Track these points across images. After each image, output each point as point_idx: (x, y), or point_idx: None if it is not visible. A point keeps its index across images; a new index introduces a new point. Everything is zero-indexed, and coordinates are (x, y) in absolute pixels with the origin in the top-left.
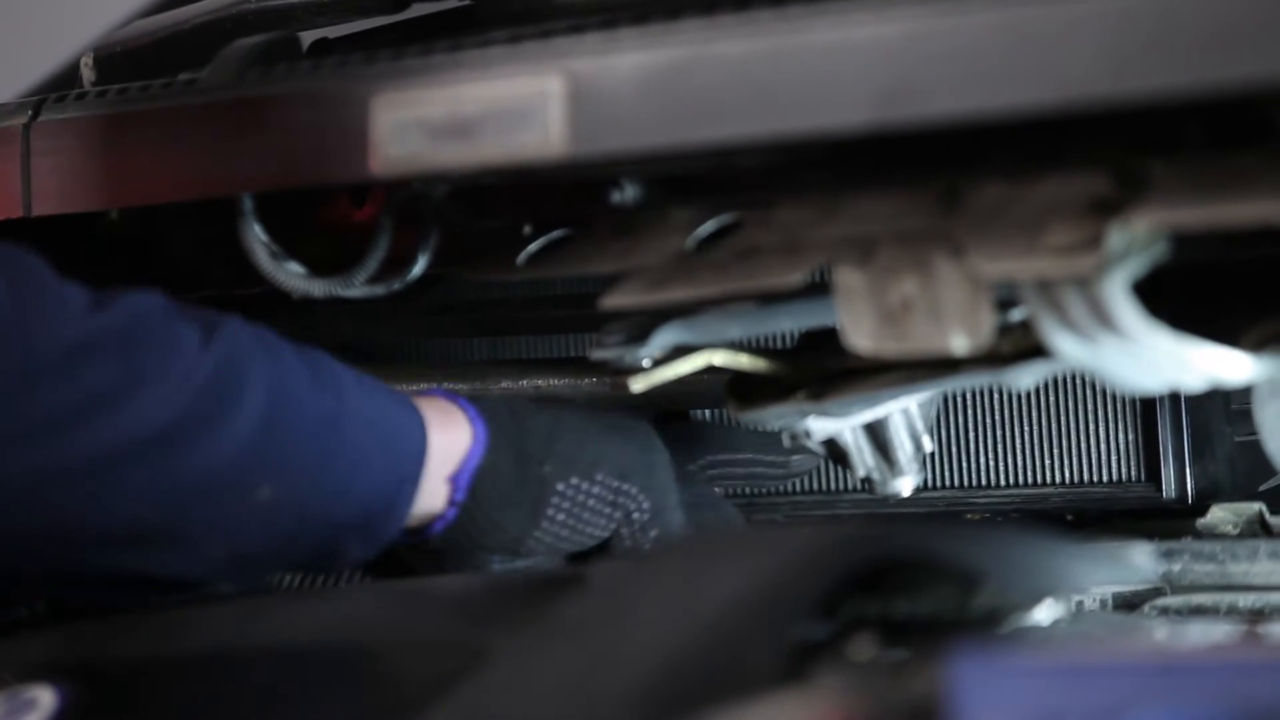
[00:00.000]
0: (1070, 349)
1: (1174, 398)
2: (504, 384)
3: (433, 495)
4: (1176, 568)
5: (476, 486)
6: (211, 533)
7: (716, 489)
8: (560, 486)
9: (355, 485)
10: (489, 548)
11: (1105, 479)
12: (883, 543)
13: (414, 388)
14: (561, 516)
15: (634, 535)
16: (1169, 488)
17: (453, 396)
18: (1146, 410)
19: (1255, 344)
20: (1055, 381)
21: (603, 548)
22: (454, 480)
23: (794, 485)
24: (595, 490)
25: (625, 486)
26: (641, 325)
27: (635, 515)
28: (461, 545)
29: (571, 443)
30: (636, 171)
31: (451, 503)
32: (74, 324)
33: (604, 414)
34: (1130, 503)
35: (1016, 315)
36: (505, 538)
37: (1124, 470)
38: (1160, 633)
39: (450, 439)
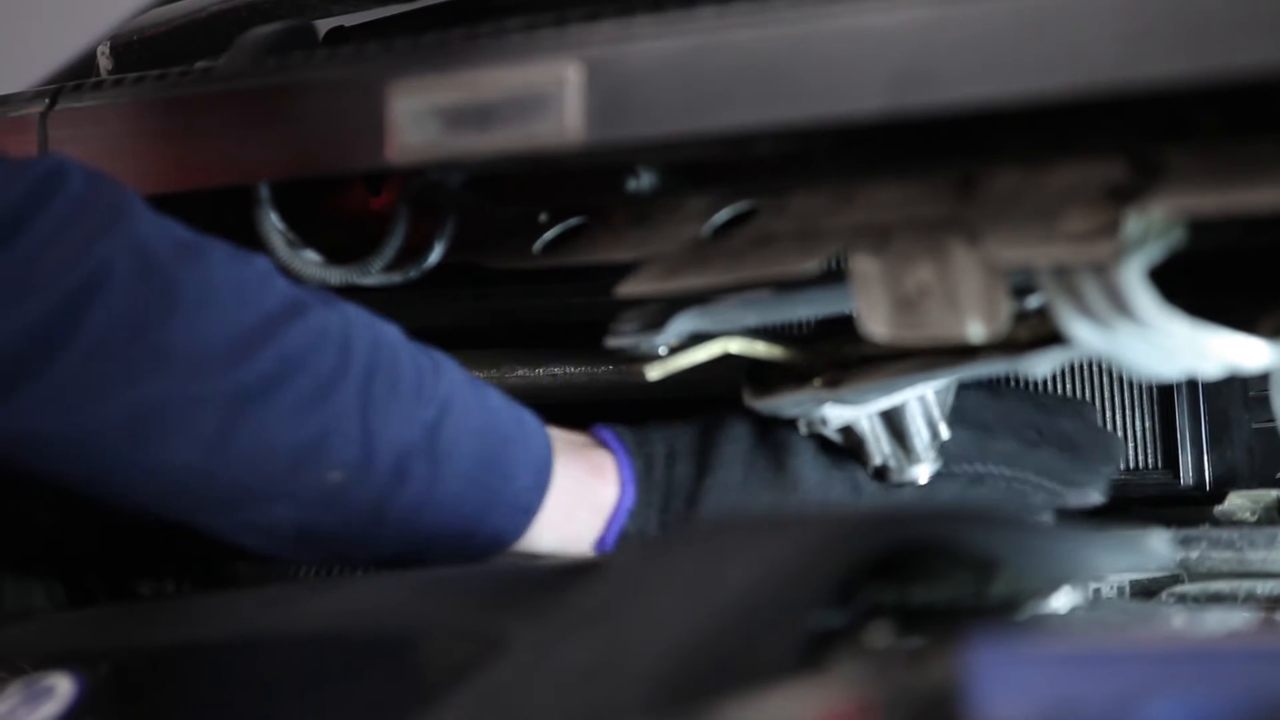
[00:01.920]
0: (1087, 336)
1: (1191, 385)
2: (520, 371)
3: (575, 551)
4: (1194, 555)
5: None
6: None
7: None
8: None
9: (446, 496)
10: None
11: (1122, 466)
12: (899, 529)
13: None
14: None
15: None
16: (1186, 475)
17: (609, 438)
18: (1164, 398)
19: (1272, 330)
20: (1072, 369)
21: None
22: (600, 546)
23: None
24: None
25: None
26: (658, 313)
27: None
28: None
29: (716, 499)
30: (652, 159)
31: None
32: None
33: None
34: (1148, 490)
35: (1033, 302)
36: None
37: (1141, 457)
38: (1178, 620)
39: (595, 504)
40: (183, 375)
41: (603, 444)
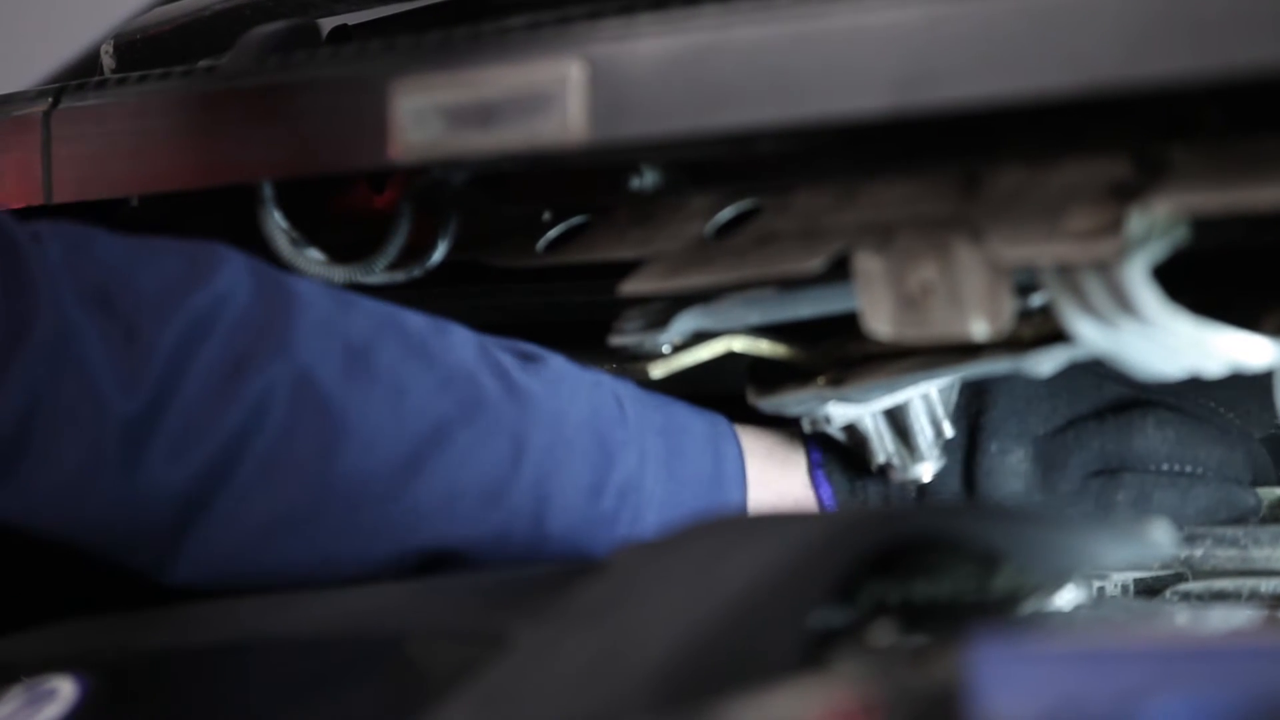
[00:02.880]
0: (1091, 334)
1: None
2: None
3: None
4: (1198, 553)
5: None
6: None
7: None
8: None
9: None
10: None
11: None
12: (902, 524)
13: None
14: None
15: None
16: None
17: (816, 464)
18: None
19: (1276, 328)
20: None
21: None
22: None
23: None
24: None
25: None
26: (661, 311)
27: None
28: None
29: None
30: (655, 158)
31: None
32: None
33: None
34: None
35: (1037, 300)
36: None
37: None
38: (1182, 618)
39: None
40: (345, 508)
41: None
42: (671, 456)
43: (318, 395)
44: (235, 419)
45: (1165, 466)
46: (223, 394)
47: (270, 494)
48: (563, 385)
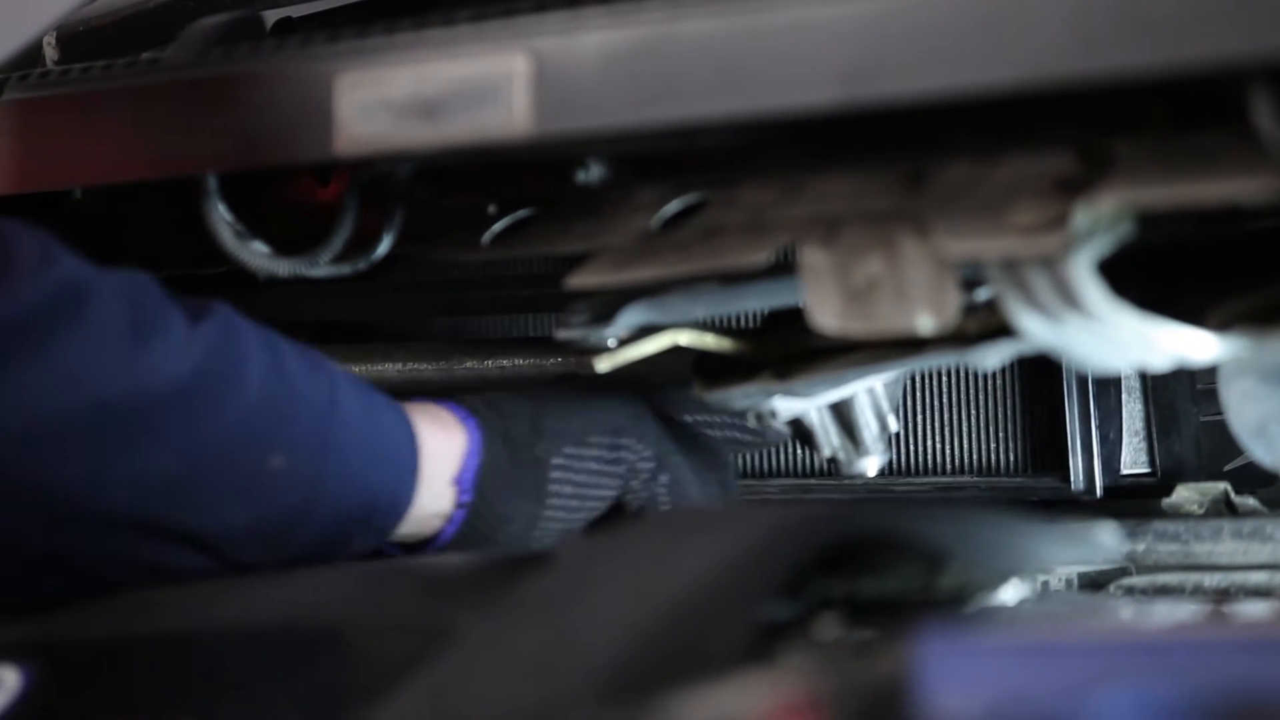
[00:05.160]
0: (1036, 329)
1: (1081, 380)
2: (469, 364)
3: (439, 499)
4: (1141, 547)
5: (480, 483)
6: (232, 495)
7: None
8: (557, 461)
9: (355, 471)
10: (500, 543)
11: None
12: (849, 522)
13: (378, 367)
14: (567, 489)
15: (645, 486)
16: (1076, 479)
17: (440, 401)
18: (1050, 394)
19: (1220, 323)
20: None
21: (616, 511)
22: (458, 482)
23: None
24: (592, 454)
25: (621, 441)
26: (607, 305)
27: (640, 465)
28: (473, 546)
29: (557, 417)
30: (602, 151)
31: (459, 505)
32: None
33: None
34: (1041, 493)
35: (982, 295)
36: (514, 528)
37: (1019, 459)
38: (1126, 612)
39: (447, 440)
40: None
41: (425, 404)
42: (350, 376)
43: None
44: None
45: None
46: None
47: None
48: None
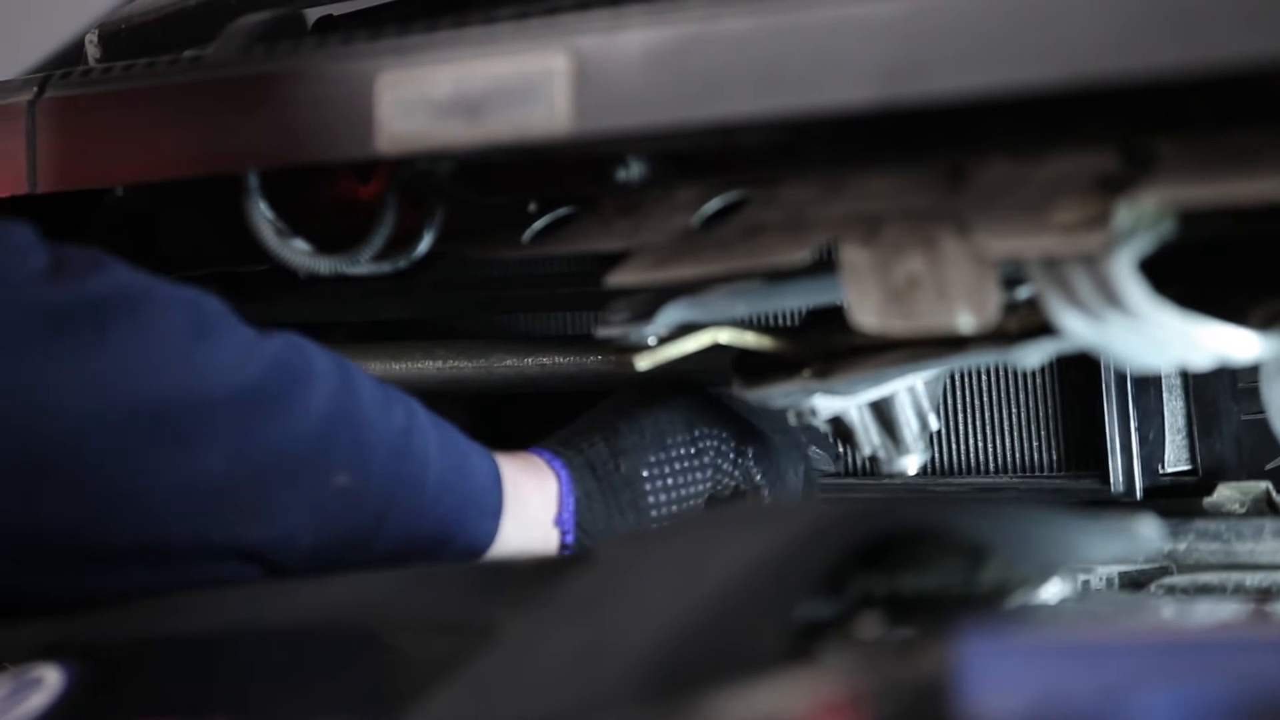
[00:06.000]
0: (1077, 327)
1: (1120, 379)
2: (509, 361)
3: (544, 542)
4: (1182, 546)
5: (580, 519)
6: (296, 510)
7: None
8: (645, 473)
9: (429, 500)
10: None
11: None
12: (890, 517)
13: (419, 365)
14: (663, 495)
15: (735, 465)
16: (1116, 479)
17: (530, 450)
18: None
19: (1262, 322)
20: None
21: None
22: (560, 522)
23: None
24: (675, 454)
25: (696, 432)
26: (647, 303)
27: (722, 448)
28: None
29: (629, 432)
30: (642, 149)
31: (564, 546)
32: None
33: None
34: (1081, 494)
35: (1023, 293)
36: None
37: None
38: (1167, 612)
39: (539, 485)
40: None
41: (518, 453)
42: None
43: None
44: None
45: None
46: None
47: None
48: None
